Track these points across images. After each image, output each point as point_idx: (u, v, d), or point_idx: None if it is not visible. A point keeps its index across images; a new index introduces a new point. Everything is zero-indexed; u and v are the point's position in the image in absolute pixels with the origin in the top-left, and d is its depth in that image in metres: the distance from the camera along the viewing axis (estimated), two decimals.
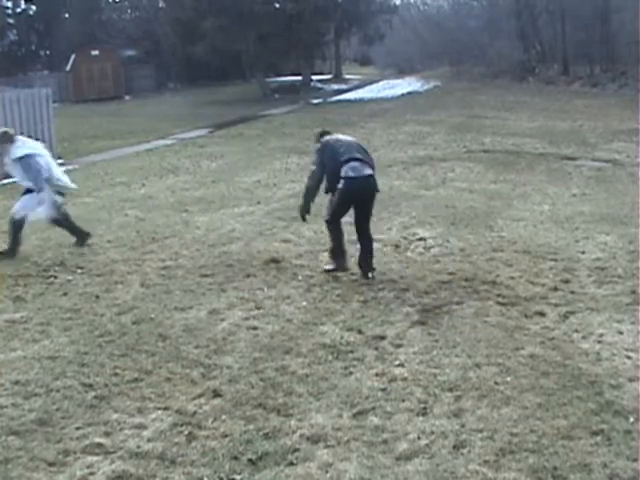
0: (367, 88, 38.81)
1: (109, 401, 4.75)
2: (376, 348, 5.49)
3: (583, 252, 7.89)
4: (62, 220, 8.42)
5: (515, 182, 12.00)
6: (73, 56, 38.15)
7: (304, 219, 7.56)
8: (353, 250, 8.06)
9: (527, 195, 11.02)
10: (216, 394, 4.80)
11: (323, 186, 7.27)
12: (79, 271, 7.61)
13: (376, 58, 54.12)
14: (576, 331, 5.74)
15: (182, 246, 8.45)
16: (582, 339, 5.59)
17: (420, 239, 8.49)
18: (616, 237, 8.44)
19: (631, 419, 4.35)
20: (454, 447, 4.12)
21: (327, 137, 7.44)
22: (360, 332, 5.78)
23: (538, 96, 28.87)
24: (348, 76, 48.25)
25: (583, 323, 5.90)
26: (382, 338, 5.65)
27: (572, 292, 6.64)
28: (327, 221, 7.37)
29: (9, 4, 42.90)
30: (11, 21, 42.75)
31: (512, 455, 4.03)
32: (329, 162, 7.13)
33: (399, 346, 5.51)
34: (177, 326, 6.00)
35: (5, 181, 13.48)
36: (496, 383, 4.86)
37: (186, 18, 32.36)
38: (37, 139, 15.15)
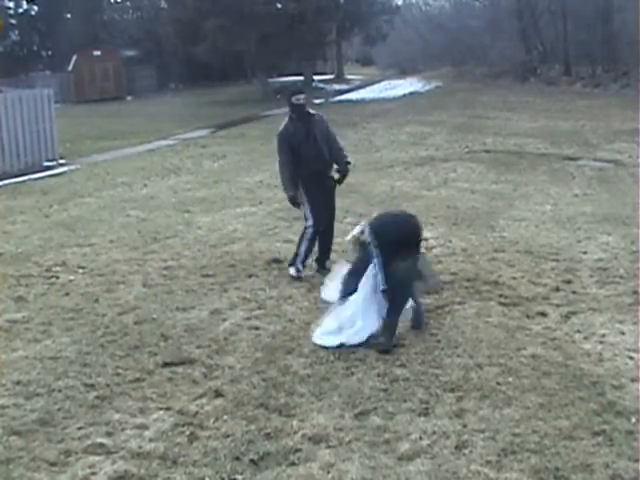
0: (369, 88, 38.79)
1: (111, 401, 4.75)
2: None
3: (585, 252, 7.88)
4: None
5: (517, 182, 11.99)
6: (75, 56, 38.20)
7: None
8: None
9: (529, 195, 11.01)
10: (218, 394, 4.80)
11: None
12: (81, 271, 7.62)
13: (378, 58, 54.10)
14: (578, 331, 5.73)
15: (184, 246, 8.45)
16: (584, 339, 5.59)
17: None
18: (618, 237, 8.43)
19: (633, 419, 4.35)
20: (456, 447, 4.12)
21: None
22: None
23: (540, 96, 28.84)
24: (350, 76, 48.23)
25: (585, 323, 5.90)
26: None
27: (574, 292, 6.64)
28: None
29: (11, 4, 42.89)
30: (13, 21, 42.72)
31: (514, 455, 4.03)
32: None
33: (401, 346, 5.50)
34: (179, 326, 6.00)
35: (6, 181, 13.54)
36: (498, 383, 4.86)
37: (188, 18, 32.34)
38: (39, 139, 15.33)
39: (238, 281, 7.13)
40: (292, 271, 7.22)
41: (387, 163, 14.13)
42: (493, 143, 16.79)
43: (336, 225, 8.99)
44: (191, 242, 8.64)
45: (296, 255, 7.28)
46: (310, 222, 7.18)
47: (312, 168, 7.05)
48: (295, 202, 7.20)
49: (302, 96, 7.13)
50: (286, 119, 7.23)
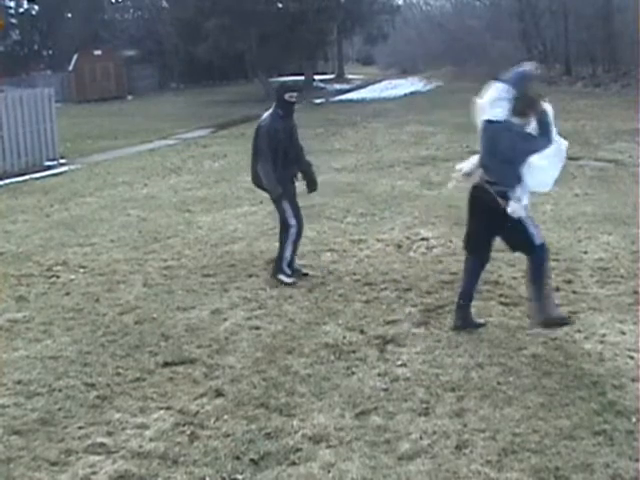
0: (369, 88, 38.80)
1: (111, 401, 4.75)
2: (378, 348, 5.49)
3: (585, 252, 7.87)
4: None
5: None
6: (76, 56, 38.23)
7: None
8: (358, 253, 8.06)
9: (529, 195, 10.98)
10: (218, 394, 4.80)
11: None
12: (81, 271, 7.63)
13: (378, 58, 54.21)
14: (578, 331, 5.73)
15: (184, 246, 8.46)
16: (584, 339, 5.59)
17: (422, 239, 8.48)
18: (618, 237, 8.42)
19: (633, 419, 4.35)
20: (456, 447, 4.12)
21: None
22: (362, 332, 5.78)
23: None
24: (350, 76, 48.27)
25: (585, 323, 5.89)
26: (384, 338, 5.65)
27: (574, 292, 6.63)
28: None
29: (12, 4, 42.97)
30: (14, 21, 42.81)
31: (514, 455, 4.03)
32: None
33: (401, 346, 5.51)
34: (179, 326, 6.00)
35: (7, 181, 13.55)
36: (498, 383, 4.86)
37: (188, 18, 32.38)
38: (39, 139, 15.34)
39: (238, 281, 7.13)
40: (283, 278, 6.99)
41: (388, 162, 14.12)
42: None
43: (336, 225, 9.03)
44: (192, 242, 8.64)
45: (281, 259, 7.02)
46: (293, 222, 7.00)
47: (291, 168, 6.99)
48: (280, 199, 6.98)
49: (296, 94, 6.95)
50: (268, 113, 6.97)
